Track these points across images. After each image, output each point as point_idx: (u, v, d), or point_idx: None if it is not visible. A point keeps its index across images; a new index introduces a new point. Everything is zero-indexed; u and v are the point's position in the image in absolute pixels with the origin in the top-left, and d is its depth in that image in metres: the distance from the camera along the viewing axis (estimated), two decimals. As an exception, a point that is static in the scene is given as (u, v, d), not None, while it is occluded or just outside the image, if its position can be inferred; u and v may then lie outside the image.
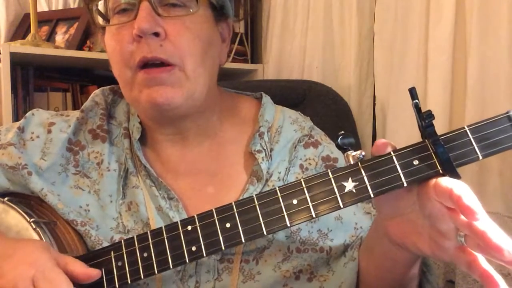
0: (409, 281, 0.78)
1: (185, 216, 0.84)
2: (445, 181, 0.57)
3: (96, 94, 0.97)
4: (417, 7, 1.39)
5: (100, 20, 0.87)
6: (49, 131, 0.91)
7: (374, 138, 1.60)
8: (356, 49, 1.63)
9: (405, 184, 0.61)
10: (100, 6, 0.87)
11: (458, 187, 0.55)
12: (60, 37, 2.04)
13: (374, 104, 1.61)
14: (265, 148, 0.90)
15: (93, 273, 0.73)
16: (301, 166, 0.92)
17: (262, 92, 1.01)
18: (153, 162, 0.91)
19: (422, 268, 0.80)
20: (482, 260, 0.57)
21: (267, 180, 0.88)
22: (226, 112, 0.95)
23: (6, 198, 0.86)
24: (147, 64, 0.81)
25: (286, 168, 0.91)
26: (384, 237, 0.71)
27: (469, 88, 1.23)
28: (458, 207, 0.54)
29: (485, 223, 0.54)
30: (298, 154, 0.92)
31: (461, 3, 1.28)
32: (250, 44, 2.14)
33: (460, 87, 1.29)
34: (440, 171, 0.60)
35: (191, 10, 0.83)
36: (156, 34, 0.79)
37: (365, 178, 0.63)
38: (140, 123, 0.92)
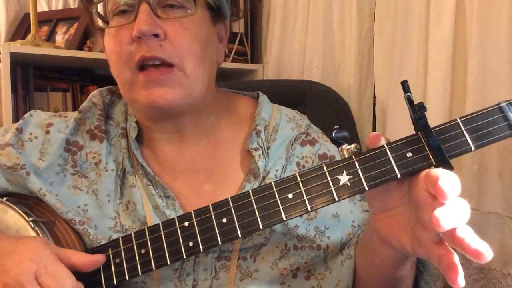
0: (398, 282, 0.78)
1: None
2: (436, 170, 0.58)
3: (94, 95, 0.98)
4: (417, 7, 1.39)
5: (99, 22, 0.88)
6: (47, 132, 0.92)
7: (374, 138, 1.60)
8: (356, 49, 1.63)
9: (399, 176, 0.62)
10: (100, 8, 0.88)
11: (446, 175, 0.55)
12: (60, 37, 2.04)
13: (374, 104, 1.60)
14: (262, 146, 0.91)
15: (98, 258, 0.75)
16: (298, 163, 0.92)
17: (259, 91, 1.01)
18: (150, 161, 0.92)
19: (419, 268, 0.80)
20: (455, 257, 0.57)
21: (264, 178, 0.89)
22: (223, 112, 0.96)
23: (4, 198, 0.86)
24: (146, 65, 0.82)
25: (283, 166, 0.91)
26: (374, 233, 0.72)
27: (469, 88, 1.23)
28: (434, 189, 0.55)
29: (464, 230, 0.54)
30: (295, 152, 0.93)
31: (461, 3, 1.28)
32: (250, 44, 2.14)
33: (460, 87, 1.29)
34: (433, 163, 0.61)
35: (189, 11, 0.84)
36: (156, 35, 0.80)
37: (360, 171, 0.64)
38: (137, 122, 0.92)
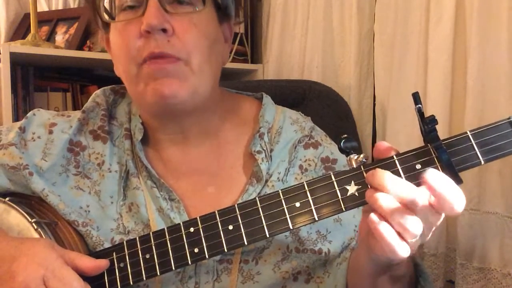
0: None
1: (186, 217, 0.84)
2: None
3: (97, 94, 0.97)
4: (417, 7, 1.39)
5: (106, 17, 0.87)
6: (50, 132, 0.92)
7: (374, 138, 1.61)
8: (356, 49, 1.63)
9: None
10: (106, 3, 0.87)
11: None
12: (60, 37, 2.03)
13: (374, 104, 1.61)
14: (265, 148, 0.90)
15: (102, 264, 0.75)
16: (300, 166, 0.92)
17: (263, 93, 1.01)
18: (154, 163, 0.91)
19: (420, 282, 0.81)
20: None
21: (266, 181, 0.89)
22: (227, 113, 0.96)
23: (7, 198, 0.86)
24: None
25: (286, 169, 0.91)
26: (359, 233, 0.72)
27: (469, 88, 1.23)
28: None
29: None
30: (298, 155, 0.93)
31: (461, 3, 1.28)
32: (250, 44, 2.14)
33: (460, 87, 1.30)
34: None
35: (197, 8, 0.84)
36: (164, 30, 0.80)
37: None
38: (142, 123, 0.92)
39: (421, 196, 0.58)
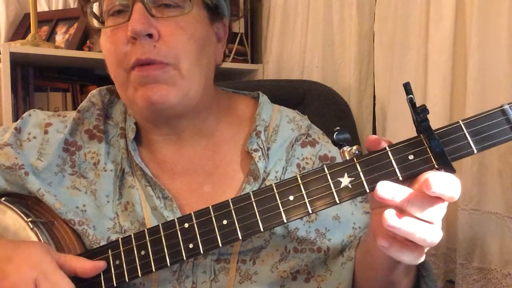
0: (391, 286, 0.78)
1: (179, 215, 0.84)
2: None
3: (93, 94, 0.98)
4: (417, 7, 1.39)
5: (95, 23, 0.87)
6: (46, 132, 0.92)
7: (374, 138, 1.60)
8: (356, 49, 1.63)
9: (401, 179, 0.62)
10: (95, 8, 0.87)
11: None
12: (60, 37, 2.04)
13: (374, 104, 1.60)
14: (262, 147, 0.90)
15: (100, 265, 0.75)
16: (298, 165, 0.92)
17: (259, 92, 1.01)
18: (148, 162, 0.91)
19: (422, 273, 0.80)
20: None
21: (264, 179, 0.88)
22: (223, 112, 0.95)
23: (3, 198, 0.86)
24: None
25: (284, 167, 0.91)
26: (370, 230, 0.72)
27: (469, 88, 1.22)
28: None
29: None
30: (296, 153, 0.92)
31: (461, 3, 1.28)
32: (250, 44, 2.14)
33: (460, 87, 1.29)
34: (435, 165, 0.61)
35: (184, 11, 0.83)
36: (150, 35, 0.79)
37: (361, 173, 0.63)
38: (135, 123, 0.92)
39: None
